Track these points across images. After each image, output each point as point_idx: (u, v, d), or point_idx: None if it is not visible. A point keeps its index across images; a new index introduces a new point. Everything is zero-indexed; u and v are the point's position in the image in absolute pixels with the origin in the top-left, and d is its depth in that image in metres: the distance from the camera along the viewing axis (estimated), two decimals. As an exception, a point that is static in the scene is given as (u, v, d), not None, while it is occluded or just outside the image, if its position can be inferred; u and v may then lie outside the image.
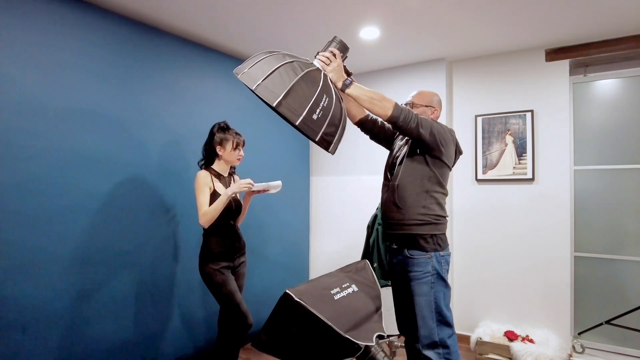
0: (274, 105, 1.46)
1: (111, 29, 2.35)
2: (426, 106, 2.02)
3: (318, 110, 1.52)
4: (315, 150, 3.97)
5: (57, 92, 2.09)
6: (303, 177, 3.86)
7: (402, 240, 1.94)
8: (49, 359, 2.02)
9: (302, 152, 3.86)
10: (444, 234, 1.96)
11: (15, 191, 1.92)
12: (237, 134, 2.27)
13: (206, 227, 2.12)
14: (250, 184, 2.17)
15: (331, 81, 1.66)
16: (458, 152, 2.01)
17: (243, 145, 2.31)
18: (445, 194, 1.97)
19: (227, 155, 2.24)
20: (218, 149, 2.23)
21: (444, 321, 1.90)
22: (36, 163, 2.00)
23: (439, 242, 1.90)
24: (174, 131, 2.67)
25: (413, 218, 1.89)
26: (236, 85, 3.15)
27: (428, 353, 1.89)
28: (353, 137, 3.72)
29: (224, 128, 2.25)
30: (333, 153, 1.65)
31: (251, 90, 1.53)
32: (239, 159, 2.29)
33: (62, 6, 2.13)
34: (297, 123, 1.48)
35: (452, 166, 2.00)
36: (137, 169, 2.45)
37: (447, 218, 1.98)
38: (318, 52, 1.74)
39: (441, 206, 1.93)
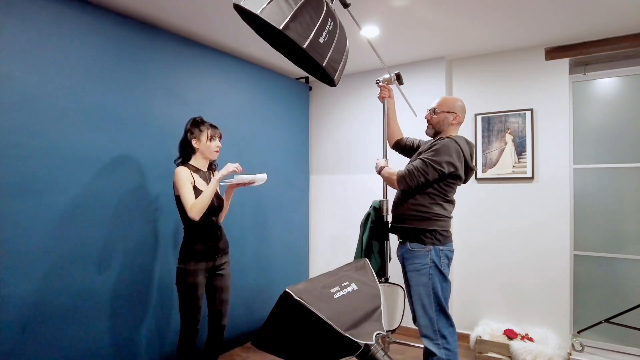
0: (281, 27, 1.38)
1: (110, 27, 2.35)
2: (448, 112, 2.14)
3: (324, 34, 1.48)
4: (315, 149, 3.97)
5: (56, 92, 2.09)
6: (303, 176, 3.86)
7: (405, 234, 2.13)
8: (49, 359, 2.03)
9: (302, 150, 3.86)
10: (446, 230, 2.08)
11: (14, 190, 1.93)
12: (212, 125, 2.21)
13: (197, 218, 2.03)
14: (237, 168, 2.12)
15: (334, 9, 1.64)
16: (469, 169, 2.09)
17: (220, 137, 2.24)
18: (447, 199, 2.08)
19: (204, 147, 2.18)
20: (194, 142, 2.17)
21: (443, 311, 2.03)
22: (36, 162, 2.00)
23: (438, 237, 2.04)
24: (173, 130, 2.66)
25: (410, 213, 2.08)
26: (236, 83, 3.15)
27: (427, 342, 2.03)
28: (355, 136, 3.73)
29: (197, 122, 2.19)
30: (336, 84, 1.63)
31: (253, 15, 1.43)
32: (216, 151, 2.23)
33: (62, 5, 2.13)
34: (304, 46, 1.41)
35: (463, 180, 2.10)
36: (137, 168, 2.45)
37: (448, 217, 2.09)
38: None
39: (441, 206, 2.06)
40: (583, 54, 2.88)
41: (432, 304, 2.02)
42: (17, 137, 1.94)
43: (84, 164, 2.19)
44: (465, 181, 2.13)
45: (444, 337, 2.00)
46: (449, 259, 2.08)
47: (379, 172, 2.23)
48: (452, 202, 2.11)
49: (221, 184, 2.17)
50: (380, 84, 2.43)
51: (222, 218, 2.35)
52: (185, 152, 2.21)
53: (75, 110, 2.17)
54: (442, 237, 2.05)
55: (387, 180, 2.16)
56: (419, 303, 2.05)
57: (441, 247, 2.04)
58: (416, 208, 2.06)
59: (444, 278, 2.04)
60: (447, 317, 2.03)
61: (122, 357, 2.35)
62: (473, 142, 3.23)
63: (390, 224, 2.27)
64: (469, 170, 2.09)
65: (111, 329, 2.30)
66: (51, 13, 2.08)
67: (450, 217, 2.11)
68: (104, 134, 2.29)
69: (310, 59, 1.52)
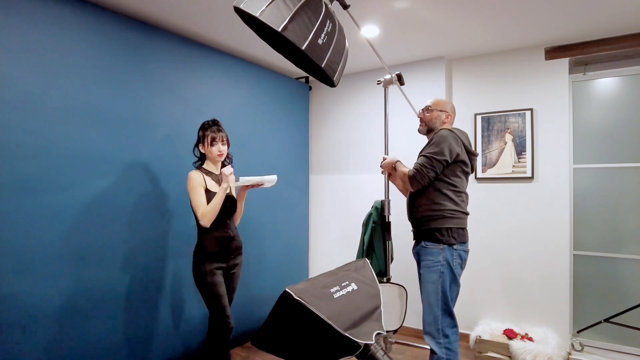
0: (280, 29, 1.40)
1: (110, 27, 2.35)
2: (440, 110, 2.21)
3: (323, 35, 1.50)
4: (315, 148, 3.97)
5: (56, 91, 2.09)
6: (302, 175, 3.86)
7: (422, 234, 2.12)
8: (49, 358, 2.03)
9: (302, 150, 3.86)
10: (462, 228, 2.07)
11: (14, 190, 1.93)
12: (216, 130, 2.19)
13: (208, 226, 2.10)
14: (230, 170, 2.13)
15: (333, 11, 1.67)
16: (471, 154, 2.13)
17: (222, 141, 2.21)
18: (458, 190, 2.09)
19: (207, 152, 2.20)
20: (200, 146, 2.21)
21: (448, 311, 2.03)
22: (35, 162, 2.00)
23: (453, 235, 2.03)
24: (173, 130, 2.67)
25: (425, 215, 2.08)
26: (237, 83, 3.15)
27: (429, 340, 2.04)
28: (355, 135, 3.72)
29: (205, 126, 2.20)
30: (336, 85, 1.64)
31: (252, 17, 1.44)
32: (219, 155, 2.20)
33: (62, 5, 2.13)
34: (303, 47, 1.43)
35: (469, 167, 2.13)
36: (137, 168, 2.45)
37: (463, 213, 2.09)
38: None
39: (454, 202, 2.06)
40: (583, 53, 2.88)
41: (439, 302, 2.02)
42: (18, 137, 1.94)
43: (85, 163, 2.19)
44: (471, 168, 2.15)
45: (446, 336, 2.01)
46: (462, 260, 2.07)
47: (394, 167, 2.28)
48: (464, 194, 2.11)
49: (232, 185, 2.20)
50: (382, 85, 2.48)
51: (238, 220, 2.36)
52: (201, 156, 2.27)
53: (75, 110, 2.17)
54: (457, 235, 2.04)
55: (403, 179, 2.20)
56: (426, 300, 2.06)
57: (456, 247, 2.03)
58: (430, 207, 2.06)
59: (454, 278, 2.04)
60: (452, 317, 2.04)
61: (126, 357, 2.36)
62: (473, 142, 3.23)
63: (412, 231, 2.23)
64: (471, 155, 2.12)
65: (114, 329, 2.30)
66: (51, 13, 2.08)
67: (466, 213, 2.10)
68: (105, 133, 2.29)
69: (310, 59, 1.52)
